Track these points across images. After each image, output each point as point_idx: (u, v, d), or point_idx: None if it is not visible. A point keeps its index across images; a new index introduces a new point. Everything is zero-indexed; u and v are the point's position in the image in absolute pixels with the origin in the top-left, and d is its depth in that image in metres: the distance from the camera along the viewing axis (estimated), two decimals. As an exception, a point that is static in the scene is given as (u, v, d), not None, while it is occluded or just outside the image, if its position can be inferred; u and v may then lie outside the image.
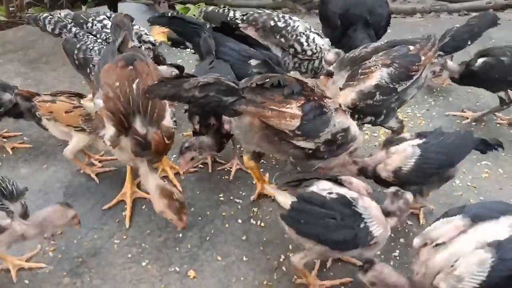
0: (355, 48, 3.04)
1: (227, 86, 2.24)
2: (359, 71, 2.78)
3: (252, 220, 2.83)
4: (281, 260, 2.57)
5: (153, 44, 3.51)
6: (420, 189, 2.58)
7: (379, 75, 2.72)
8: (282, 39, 3.62)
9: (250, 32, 3.62)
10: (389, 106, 2.83)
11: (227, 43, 3.07)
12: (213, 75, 2.28)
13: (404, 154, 2.52)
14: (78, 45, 3.22)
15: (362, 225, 2.11)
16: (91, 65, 3.22)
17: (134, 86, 2.34)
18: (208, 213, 2.88)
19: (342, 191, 2.21)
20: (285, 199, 2.19)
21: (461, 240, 1.95)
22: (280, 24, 3.64)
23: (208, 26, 3.19)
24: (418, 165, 2.48)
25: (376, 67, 2.76)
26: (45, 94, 3.03)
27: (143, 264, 2.53)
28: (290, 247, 2.64)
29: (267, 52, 3.19)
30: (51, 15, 3.42)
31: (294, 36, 3.62)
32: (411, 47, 2.85)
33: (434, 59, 2.99)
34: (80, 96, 3.01)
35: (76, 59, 3.25)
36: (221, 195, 3.01)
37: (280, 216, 2.21)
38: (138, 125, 2.34)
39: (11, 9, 6.27)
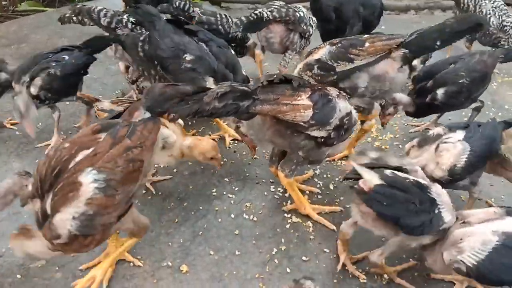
0: None
1: (241, 91, 2.32)
2: (316, 46, 2.96)
3: (244, 215, 2.84)
4: (273, 253, 2.59)
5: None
6: (471, 181, 2.61)
7: (323, 51, 2.86)
8: (304, 27, 3.92)
9: (278, 28, 3.88)
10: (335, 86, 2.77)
11: (172, 35, 3.01)
12: (226, 83, 2.35)
13: (456, 151, 2.49)
14: (142, 37, 3.18)
15: (436, 211, 2.15)
16: None
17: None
18: (200, 208, 2.89)
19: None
20: (371, 178, 2.18)
21: (484, 224, 2.07)
22: (301, 14, 3.90)
23: (164, 17, 3.15)
24: (470, 160, 2.46)
25: (324, 45, 2.90)
26: (105, 101, 2.99)
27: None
28: (283, 240, 2.66)
29: (220, 49, 3.11)
30: (105, 8, 3.35)
31: (307, 21, 3.95)
32: (366, 36, 2.88)
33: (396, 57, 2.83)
34: None
35: (142, 51, 3.17)
36: (213, 190, 3.02)
37: (357, 194, 2.21)
38: (47, 203, 1.97)
39: (3, 3, 6.22)
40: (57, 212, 1.91)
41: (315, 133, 2.45)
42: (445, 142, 2.54)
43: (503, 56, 3.27)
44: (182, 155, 2.71)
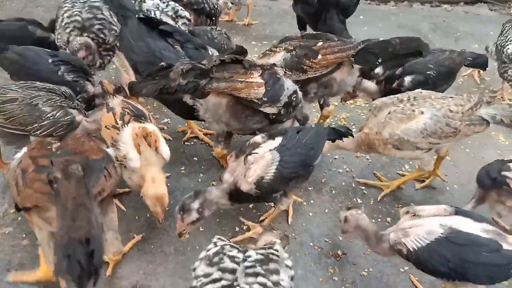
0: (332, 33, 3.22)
1: (201, 69, 2.36)
2: (271, 47, 3.00)
3: (211, 193, 2.95)
4: (236, 230, 2.73)
5: (189, 20, 3.53)
6: (284, 193, 2.51)
7: (277, 57, 2.91)
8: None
9: None
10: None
11: (147, 38, 2.82)
12: (187, 60, 2.37)
13: (264, 161, 2.33)
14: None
15: None
16: None
17: None
18: (168, 184, 2.92)
19: None
20: None
21: (433, 219, 2.14)
22: None
23: (136, 16, 2.96)
24: (279, 171, 2.32)
25: (281, 49, 2.93)
26: (117, 98, 2.68)
27: (102, 230, 2.62)
28: (245, 219, 2.79)
29: (196, 51, 2.89)
30: None
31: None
32: (320, 43, 2.91)
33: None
34: (141, 118, 2.57)
35: None
36: (182, 168, 3.11)
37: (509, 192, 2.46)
38: None
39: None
40: None
41: (267, 109, 2.57)
42: (252, 153, 2.38)
43: (471, 59, 3.39)
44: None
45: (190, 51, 2.89)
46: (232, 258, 1.72)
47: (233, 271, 1.67)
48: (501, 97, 4.16)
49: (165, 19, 3.32)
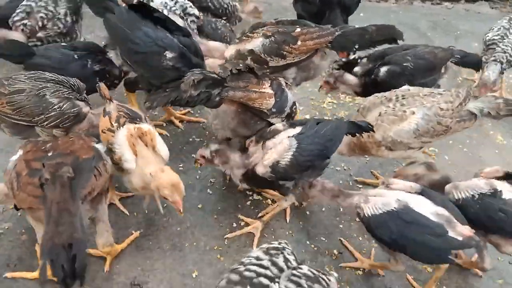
0: None
1: (213, 79, 2.39)
2: (247, 32, 3.00)
3: (208, 190, 2.97)
4: (233, 226, 2.75)
5: (197, 17, 3.49)
6: (295, 183, 2.53)
7: (255, 42, 2.91)
8: None
9: None
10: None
11: (144, 27, 2.65)
12: (198, 70, 2.38)
13: (282, 147, 2.38)
14: None
15: None
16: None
17: None
18: (167, 181, 2.99)
19: None
20: None
21: (396, 193, 2.29)
22: None
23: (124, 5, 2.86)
24: (296, 157, 2.36)
25: (258, 34, 2.93)
26: (113, 104, 2.55)
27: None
28: (241, 217, 2.81)
29: (187, 38, 2.82)
30: None
31: None
32: (298, 29, 2.93)
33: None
34: (136, 120, 2.52)
35: None
36: (181, 165, 3.13)
37: None
38: None
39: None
40: None
41: (274, 120, 2.59)
42: (271, 138, 2.45)
43: (459, 56, 3.28)
44: (145, 186, 2.39)
45: (181, 39, 2.78)
46: (286, 260, 1.76)
47: (280, 269, 1.71)
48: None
49: (173, 17, 3.22)
